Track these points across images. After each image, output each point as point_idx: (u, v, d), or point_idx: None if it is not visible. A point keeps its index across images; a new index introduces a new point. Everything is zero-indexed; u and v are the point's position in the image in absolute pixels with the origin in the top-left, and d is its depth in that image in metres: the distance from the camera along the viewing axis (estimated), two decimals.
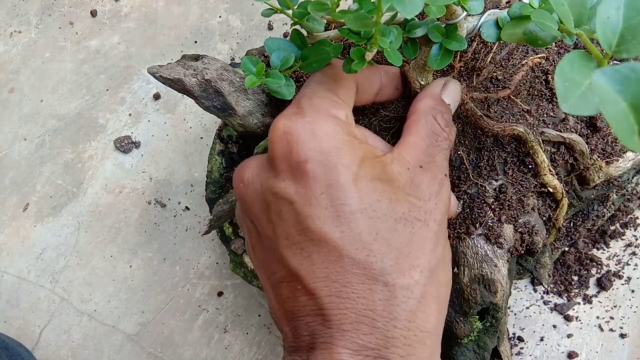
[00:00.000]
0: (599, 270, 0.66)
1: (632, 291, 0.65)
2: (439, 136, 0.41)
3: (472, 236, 0.47)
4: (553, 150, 0.51)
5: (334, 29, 0.48)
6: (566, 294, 0.65)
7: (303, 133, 0.36)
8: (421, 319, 0.35)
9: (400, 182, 0.37)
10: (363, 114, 0.51)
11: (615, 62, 0.50)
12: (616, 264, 0.66)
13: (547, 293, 0.66)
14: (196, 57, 0.52)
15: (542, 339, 0.65)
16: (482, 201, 0.48)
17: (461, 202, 0.48)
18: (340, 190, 0.35)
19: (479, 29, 0.43)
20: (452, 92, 0.45)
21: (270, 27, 0.81)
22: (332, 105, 0.39)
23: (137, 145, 0.77)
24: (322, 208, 0.35)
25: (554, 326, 0.65)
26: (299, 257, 0.35)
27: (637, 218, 0.67)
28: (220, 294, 0.70)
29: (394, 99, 0.49)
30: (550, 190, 0.50)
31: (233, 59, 0.80)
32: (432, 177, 0.38)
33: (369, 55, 0.39)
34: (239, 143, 0.64)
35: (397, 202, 0.36)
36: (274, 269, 0.37)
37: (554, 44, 0.53)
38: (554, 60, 0.54)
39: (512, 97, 0.51)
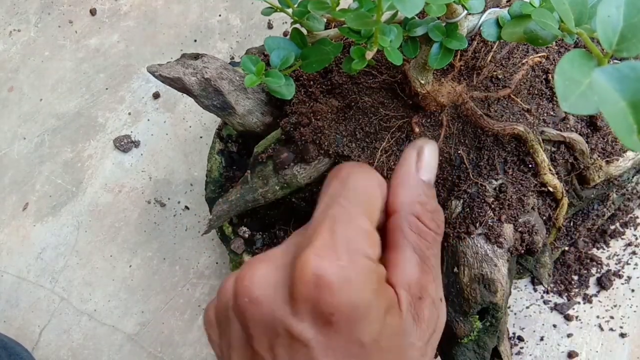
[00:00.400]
0: (599, 270, 0.66)
1: (632, 290, 0.65)
2: (428, 240, 0.37)
3: (472, 236, 0.47)
4: (553, 149, 0.51)
5: (334, 27, 0.48)
6: (566, 294, 0.65)
7: (336, 281, 0.32)
8: None
9: (409, 332, 0.35)
10: (363, 114, 0.51)
11: (615, 60, 0.50)
12: (616, 264, 0.66)
13: (547, 292, 0.66)
14: (196, 56, 0.52)
15: (542, 339, 0.64)
16: (482, 200, 0.48)
17: (461, 202, 0.48)
18: (358, 348, 0.33)
19: (480, 27, 0.43)
20: (429, 163, 0.39)
21: (270, 26, 0.81)
22: (368, 243, 0.34)
23: (136, 144, 0.77)
24: (339, 354, 0.33)
25: (554, 326, 0.65)
26: None
27: (637, 217, 0.67)
28: None
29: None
30: (551, 189, 0.50)
31: (233, 58, 0.80)
32: (431, 310, 0.36)
33: (369, 54, 0.39)
34: (238, 142, 0.64)
35: (405, 354, 0.34)
36: None
37: (554, 43, 0.53)
38: (554, 59, 0.53)
39: (512, 96, 0.51)
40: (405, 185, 0.37)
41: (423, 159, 0.39)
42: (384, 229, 0.38)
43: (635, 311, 0.64)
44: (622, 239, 0.67)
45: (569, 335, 0.64)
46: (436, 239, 0.37)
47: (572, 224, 0.59)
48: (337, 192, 0.35)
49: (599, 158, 0.52)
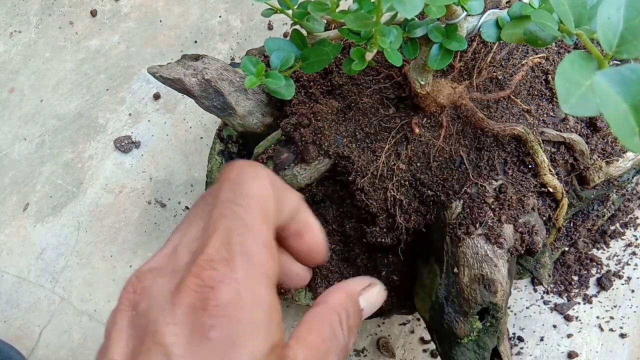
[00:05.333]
0: (599, 270, 0.66)
1: (632, 291, 0.65)
2: (338, 341, 0.36)
3: (472, 236, 0.47)
4: (553, 150, 0.51)
5: (334, 29, 0.48)
6: (566, 294, 0.65)
7: (228, 296, 0.30)
8: None
9: None
10: (363, 114, 0.51)
11: (615, 62, 0.50)
12: (616, 264, 0.66)
13: (547, 293, 0.66)
14: (196, 57, 0.52)
15: (542, 339, 0.65)
16: (482, 201, 0.48)
17: (461, 202, 0.48)
18: None
19: (479, 29, 0.43)
20: (372, 297, 0.40)
21: (270, 27, 0.81)
22: (266, 257, 0.32)
23: (137, 145, 0.77)
24: None
25: (554, 326, 0.65)
26: None
27: (637, 218, 0.67)
28: None
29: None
30: (550, 190, 0.50)
31: (233, 59, 0.80)
32: None
33: (369, 56, 0.39)
34: (239, 143, 0.64)
35: None
36: None
37: (554, 44, 0.53)
38: (554, 60, 0.54)
39: (512, 97, 0.51)
40: (344, 292, 0.38)
41: (370, 291, 0.40)
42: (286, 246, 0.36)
43: (635, 311, 0.64)
44: (622, 239, 0.67)
45: (569, 336, 0.64)
46: (344, 351, 0.36)
47: (572, 224, 0.60)
48: (230, 198, 0.33)
49: (598, 159, 0.52)
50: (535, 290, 0.66)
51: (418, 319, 0.67)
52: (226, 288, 0.29)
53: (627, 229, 0.67)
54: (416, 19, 0.41)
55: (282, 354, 0.32)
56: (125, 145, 0.77)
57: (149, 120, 0.78)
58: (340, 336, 0.36)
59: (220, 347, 0.29)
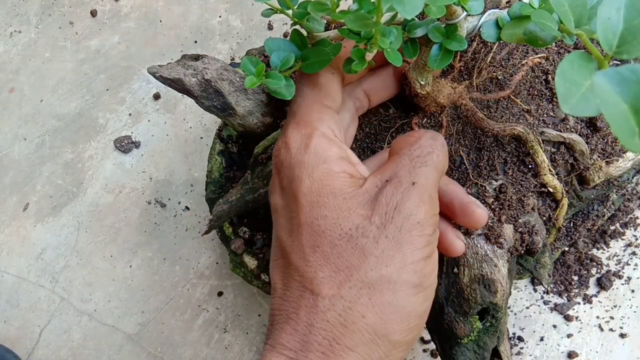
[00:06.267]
0: (599, 270, 0.66)
1: (632, 291, 0.65)
2: (422, 150, 0.39)
3: (472, 236, 0.47)
4: (553, 150, 0.51)
5: (334, 29, 0.48)
6: (566, 294, 0.65)
7: (279, 147, 0.39)
8: (340, 332, 0.35)
9: (359, 199, 0.37)
10: (363, 114, 0.51)
11: (615, 62, 0.50)
12: (616, 264, 0.66)
13: (547, 293, 0.66)
14: (196, 57, 0.52)
15: (542, 339, 0.65)
16: (482, 201, 0.48)
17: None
18: (294, 203, 0.37)
19: (479, 29, 0.43)
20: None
21: (270, 27, 0.81)
22: (315, 117, 0.39)
23: (137, 145, 0.77)
24: (285, 218, 0.39)
25: (554, 326, 0.65)
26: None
27: (637, 218, 0.67)
28: (220, 294, 0.70)
29: (388, 98, 0.49)
30: (550, 190, 0.50)
31: (233, 59, 0.80)
32: (395, 188, 0.37)
33: (369, 56, 0.39)
34: (239, 143, 0.64)
35: (345, 219, 0.36)
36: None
37: (554, 44, 0.53)
38: (554, 60, 0.54)
39: (512, 97, 0.51)
40: (411, 142, 0.41)
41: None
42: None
43: (635, 311, 0.64)
44: (622, 239, 0.67)
45: (569, 336, 0.64)
46: (424, 146, 0.40)
47: (572, 224, 0.60)
48: (297, 91, 0.42)
49: (598, 159, 0.52)
50: (535, 290, 0.66)
51: None
52: (280, 144, 0.41)
53: (627, 229, 0.67)
54: (416, 19, 0.41)
55: (342, 175, 0.38)
56: (125, 145, 0.77)
57: (149, 120, 0.78)
58: (421, 143, 0.40)
59: (287, 185, 0.39)
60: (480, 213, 0.43)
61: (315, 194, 0.37)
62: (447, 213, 0.44)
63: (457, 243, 0.44)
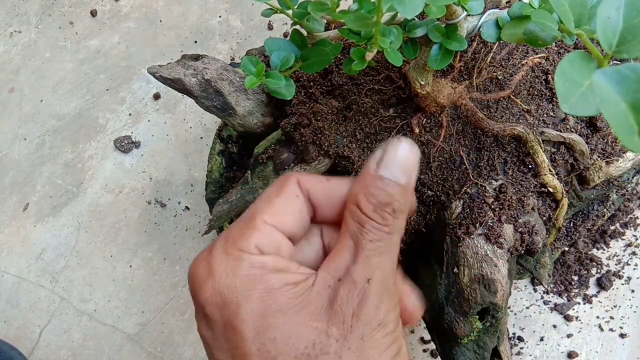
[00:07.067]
0: (599, 270, 0.66)
1: (632, 291, 0.65)
2: (365, 227, 0.34)
3: (472, 236, 0.47)
4: (553, 150, 0.51)
5: (334, 29, 0.48)
6: (566, 294, 0.65)
7: (201, 273, 0.34)
8: None
9: (311, 308, 0.32)
10: (363, 114, 0.51)
11: (615, 62, 0.50)
12: (616, 264, 0.66)
13: (547, 293, 0.66)
14: (196, 57, 0.52)
15: (542, 339, 0.65)
16: (482, 201, 0.48)
17: (461, 202, 0.48)
18: (233, 333, 0.32)
19: (479, 29, 0.43)
20: (390, 159, 0.36)
21: (270, 27, 0.81)
22: (244, 236, 0.34)
23: (137, 145, 0.77)
24: (223, 351, 0.33)
25: (554, 326, 0.65)
26: None
27: (637, 218, 0.67)
28: None
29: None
30: (550, 190, 0.50)
31: (233, 59, 0.80)
32: (349, 291, 0.32)
33: (369, 56, 0.39)
34: (238, 143, 0.64)
35: (299, 336, 0.32)
36: None
37: (554, 44, 0.53)
38: (554, 60, 0.54)
39: (512, 97, 0.51)
40: (358, 180, 0.36)
41: (385, 156, 0.36)
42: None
43: (635, 311, 0.64)
44: (622, 239, 0.67)
45: (569, 336, 0.64)
46: (377, 228, 0.35)
47: (572, 224, 0.60)
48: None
49: (598, 159, 0.52)
50: (535, 290, 0.66)
51: None
52: (200, 270, 0.34)
53: (627, 229, 0.67)
54: (416, 19, 0.41)
55: (285, 290, 0.33)
56: (125, 145, 0.77)
57: (149, 120, 0.78)
58: (363, 219, 0.34)
59: (217, 316, 0.33)
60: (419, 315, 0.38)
61: (258, 318, 0.32)
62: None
63: (416, 312, 0.39)
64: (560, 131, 0.51)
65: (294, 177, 0.36)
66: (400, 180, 0.35)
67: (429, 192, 0.50)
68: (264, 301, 0.32)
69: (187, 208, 0.74)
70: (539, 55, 0.53)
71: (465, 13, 0.40)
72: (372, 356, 0.32)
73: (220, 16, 0.83)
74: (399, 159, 0.36)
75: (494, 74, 0.52)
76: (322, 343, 0.32)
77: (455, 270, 0.48)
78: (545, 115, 0.51)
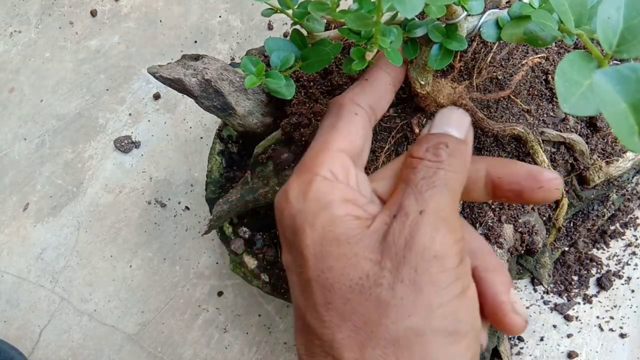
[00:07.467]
0: (599, 270, 0.66)
1: (632, 291, 0.65)
2: (417, 167, 0.34)
3: None
4: (553, 150, 0.51)
5: (334, 28, 0.48)
6: (566, 294, 0.65)
7: (281, 201, 0.35)
8: None
9: (366, 241, 0.32)
10: None
11: (615, 62, 0.50)
12: (616, 264, 0.66)
13: (547, 293, 0.66)
14: (196, 57, 0.52)
15: (542, 339, 0.65)
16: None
17: (461, 202, 0.48)
18: (300, 257, 0.33)
19: (479, 28, 0.43)
20: (441, 120, 0.37)
21: (270, 27, 0.81)
22: (317, 162, 0.35)
23: (137, 145, 0.77)
24: (295, 275, 0.34)
25: (554, 326, 0.65)
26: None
27: (637, 218, 0.67)
28: (220, 294, 0.70)
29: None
30: None
31: (233, 59, 0.80)
32: (402, 223, 0.32)
33: (369, 55, 0.39)
34: (239, 143, 0.64)
35: (353, 267, 0.32)
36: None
37: (554, 43, 0.53)
38: (554, 60, 0.54)
39: (512, 97, 0.51)
40: (414, 145, 0.36)
41: (434, 119, 0.38)
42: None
43: (635, 311, 0.64)
44: (622, 239, 0.67)
45: (569, 336, 0.64)
46: (429, 165, 0.35)
47: (572, 224, 0.60)
48: (316, 134, 0.38)
49: (598, 159, 0.52)
50: (535, 290, 0.66)
51: None
52: (282, 197, 0.35)
53: (627, 229, 0.67)
54: (416, 18, 0.41)
55: (347, 220, 0.33)
56: (125, 145, 0.77)
57: (149, 120, 0.78)
58: (415, 162, 0.35)
59: (290, 240, 0.35)
60: (514, 320, 0.36)
61: (318, 244, 0.32)
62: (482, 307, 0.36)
63: (513, 318, 0.36)
64: (560, 131, 0.51)
65: (346, 97, 0.38)
66: (453, 132, 0.36)
67: None
68: (325, 228, 0.33)
69: (187, 208, 0.74)
70: (539, 55, 0.53)
71: (465, 13, 0.40)
72: (429, 293, 0.31)
73: (220, 16, 0.83)
74: (448, 118, 0.37)
75: (494, 74, 0.51)
76: (375, 275, 0.31)
77: None
78: (545, 115, 0.51)
